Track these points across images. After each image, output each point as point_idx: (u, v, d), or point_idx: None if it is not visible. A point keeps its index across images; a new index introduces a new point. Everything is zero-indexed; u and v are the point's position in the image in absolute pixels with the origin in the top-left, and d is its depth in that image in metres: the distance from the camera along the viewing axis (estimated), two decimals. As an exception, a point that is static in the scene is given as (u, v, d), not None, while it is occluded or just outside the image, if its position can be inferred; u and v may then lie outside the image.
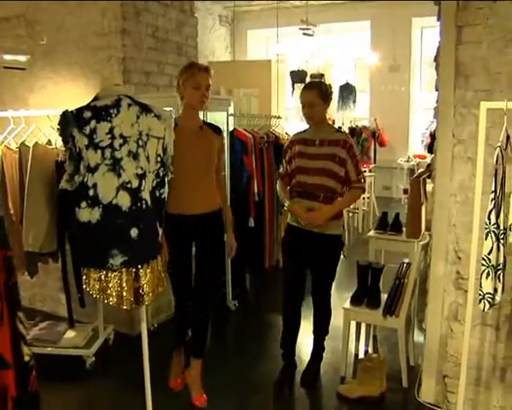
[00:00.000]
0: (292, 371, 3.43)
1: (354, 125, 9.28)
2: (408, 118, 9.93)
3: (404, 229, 4.18)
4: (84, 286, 2.21)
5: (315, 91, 3.15)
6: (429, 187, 3.57)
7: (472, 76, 2.81)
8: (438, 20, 2.95)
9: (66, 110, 2.09)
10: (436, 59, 3.00)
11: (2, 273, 1.29)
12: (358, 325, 3.81)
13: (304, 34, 7.65)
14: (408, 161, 9.37)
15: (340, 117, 9.84)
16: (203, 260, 3.12)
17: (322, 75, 10.43)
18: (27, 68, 3.57)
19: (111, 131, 2.14)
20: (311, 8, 8.07)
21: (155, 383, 2.78)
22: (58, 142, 3.32)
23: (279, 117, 5.60)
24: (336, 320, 3.59)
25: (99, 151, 2.12)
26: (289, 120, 10.57)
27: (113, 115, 2.15)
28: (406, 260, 3.84)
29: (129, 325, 4.04)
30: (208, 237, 3.10)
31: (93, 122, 2.10)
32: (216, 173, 3.13)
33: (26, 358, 1.38)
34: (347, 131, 8.47)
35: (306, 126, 3.34)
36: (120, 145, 2.17)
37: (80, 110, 2.11)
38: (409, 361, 3.52)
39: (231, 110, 4.67)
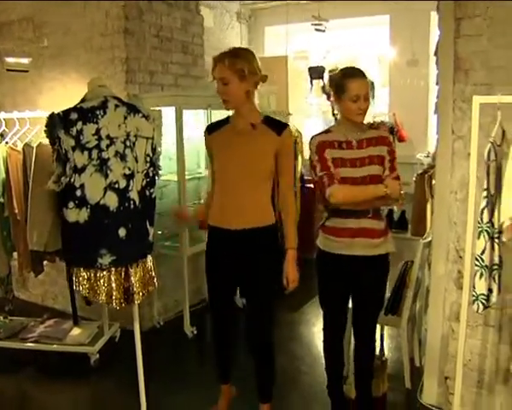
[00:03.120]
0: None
1: (373, 121, 9.19)
2: (427, 113, 9.75)
3: (409, 226, 4.12)
4: (75, 285, 2.23)
5: (367, 84, 2.58)
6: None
7: (471, 70, 2.75)
8: (437, 12, 2.90)
9: (53, 112, 2.12)
10: (436, 53, 2.95)
11: None
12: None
13: (316, 30, 7.58)
14: (428, 156, 9.22)
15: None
16: (247, 287, 2.72)
17: (340, 71, 10.41)
18: (29, 70, 3.63)
19: (97, 132, 2.15)
20: (326, 4, 8.00)
21: (155, 380, 2.75)
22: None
23: (289, 114, 5.62)
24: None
25: (86, 152, 2.14)
26: (310, 117, 10.58)
27: (100, 117, 2.16)
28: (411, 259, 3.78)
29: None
30: (257, 259, 2.61)
31: (79, 124, 2.12)
32: (279, 183, 2.64)
33: None
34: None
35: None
36: (107, 146, 2.18)
37: (67, 112, 2.13)
38: (414, 362, 3.47)
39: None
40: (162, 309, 4.36)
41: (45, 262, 3.53)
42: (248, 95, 2.52)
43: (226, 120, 2.65)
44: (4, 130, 3.59)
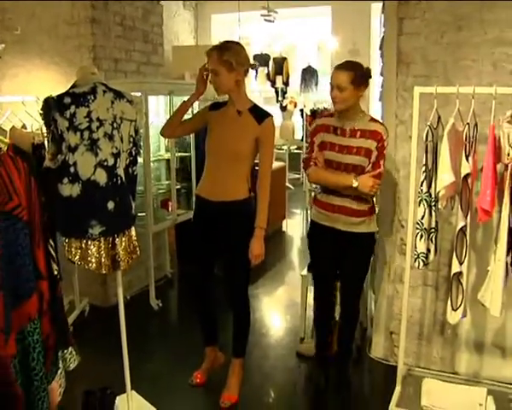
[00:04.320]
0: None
1: (316, 108, 9.62)
2: (368, 99, 10.28)
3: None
4: (66, 254, 2.46)
5: (349, 74, 2.78)
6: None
7: (412, 63, 3.15)
8: (382, 12, 3.28)
9: (49, 96, 2.32)
10: (381, 48, 3.33)
11: (39, 213, 1.64)
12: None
13: (265, 21, 7.90)
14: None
15: (302, 100, 10.17)
16: (227, 252, 3.03)
17: (284, 59, 10.78)
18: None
19: (89, 115, 2.38)
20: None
21: (129, 349, 3.00)
22: (33, 126, 3.54)
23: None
24: (297, 287, 3.93)
25: (78, 133, 2.36)
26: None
27: (91, 101, 2.39)
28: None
29: (103, 298, 4.31)
30: (230, 230, 2.94)
31: (73, 107, 2.34)
32: (260, 168, 2.90)
33: (55, 272, 1.81)
34: (309, 113, 8.80)
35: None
36: (97, 127, 2.41)
37: (61, 96, 2.34)
38: (363, 325, 3.88)
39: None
40: (127, 285, 4.58)
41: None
42: (238, 83, 2.85)
43: (225, 103, 2.99)
44: (-26, 115, 3.69)
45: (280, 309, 4.69)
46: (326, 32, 10.36)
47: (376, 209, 3.55)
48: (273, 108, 10.77)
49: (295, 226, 7.56)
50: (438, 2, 2.98)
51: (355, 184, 2.80)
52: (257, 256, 2.90)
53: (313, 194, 3.27)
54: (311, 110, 9.34)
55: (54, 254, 1.74)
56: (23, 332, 1.68)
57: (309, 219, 3.77)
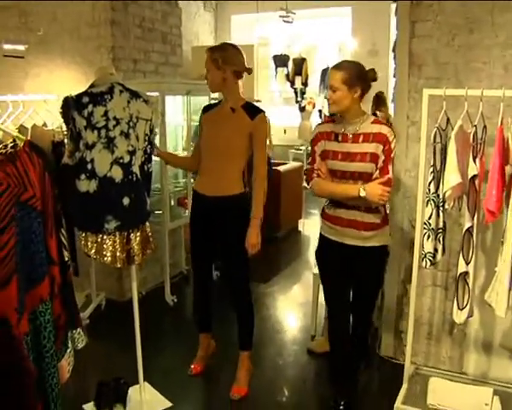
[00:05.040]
0: None
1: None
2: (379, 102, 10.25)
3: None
4: (83, 248, 2.56)
5: (341, 73, 2.61)
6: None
7: (424, 65, 3.18)
8: (395, 14, 3.32)
9: (68, 96, 2.43)
10: (394, 50, 3.37)
11: (53, 204, 1.81)
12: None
13: (283, 21, 7.97)
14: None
15: (321, 100, 10.21)
16: (224, 246, 3.12)
17: (304, 59, 10.83)
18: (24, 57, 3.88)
19: (106, 113, 2.48)
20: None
21: (143, 342, 3.10)
22: (54, 124, 3.66)
23: (258, 100, 5.98)
24: (311, 286, 3.99)
25: (95, 131, 2.47)
26: (274, 103, 10.99)
27: (108, 100, 2.49)
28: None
29: (118, 293, 4.42)
30: (226, 224, 3.04)
31: (90, 106, 2.44)
32: (254, 162, 3.00)
33: (66, 258, 1.96)
34: (327, 113, 8.83)
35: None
36: (114, 126, 2.51)
37: (79, 96, 2.45)
38: (374, 324, 3.89)
39: (215, 94, 4.97)
40: (142, 281, 4.69)
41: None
42: (225, 81, 2.96)
43: (218, 103, 3.15)
44: (-4, 112, 3.82)
45: (294, 307, 4.75)
46: (346, 33, 10.38)
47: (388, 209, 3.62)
48: (292, 109, 10.86)
49: (312, 226, 7.58)
50: (449, 5, 3.01)
51: (362, 194, 2.56)
52: (253, 245, 2.97)
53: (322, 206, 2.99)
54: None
55: (65, 243, 1.87)
56: (35, 313, 1.81)
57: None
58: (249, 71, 3.02)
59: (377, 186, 2.56)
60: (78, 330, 2.09)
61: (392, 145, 2.61)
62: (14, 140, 1.77)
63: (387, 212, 2.82)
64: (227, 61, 2.92)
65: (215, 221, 3.06)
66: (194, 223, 3.22)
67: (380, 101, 5.06)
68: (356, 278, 2.87)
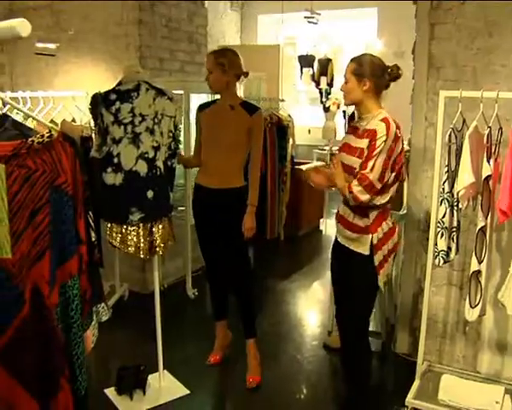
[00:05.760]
0: None
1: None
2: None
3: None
4: (108, 238, 2.69)
5: (352, 64, 2.59)
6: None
7: (442, 68, 3.23)
8: (415, 17, 3.37)
9: (96, 93, 2.57)
10: (413, 52, 3.42)
11: (82, 190, 2.00)
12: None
13: (308, 22, 8.02)
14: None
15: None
16: (225, 235, 3.27)
17: (329, 60, 10.86)
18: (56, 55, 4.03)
19: (132, 110, 2.61)
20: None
21: (164, 333, 3.21)
22: (82, 120, 3.81)
23: (282, 100, 6.06)
24: (328, 282, 4.06)
25: (122, 127, 2.60)
26: (300, 103, 11.04)
27: (134, 98, 2.62)
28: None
29: (141, 285, 4.55)
30: (226, 215, 3.21)
31: (117, 103, 2.57)
32: (252, 154, 3.18)
33: (93, 239, 2.13)
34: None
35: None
36: (140, 122, 2.64)
37: (107, 93, 2.58)
38: (390, 321, 3.97)
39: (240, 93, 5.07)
40: (165, 275, 4.81)
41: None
42: (228, 84, 3.16)
43: (214, 102, 3.38)
44: (30, 107, 3.99)
45: (312, 303, 4.84)
46: (372, 34, 10.38)
47: (405, 209, 3.67)
48: (317, 109, 10.90)
49: (333, 226, 7.62)
50: (469, 8, 3.05)
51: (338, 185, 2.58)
52: (249, 229, 3.19)
53: None
54: (353, 111, 9.38)
55: (92, 225, 2.03)
56: (65, 286, 1.99)
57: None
58: (246, 74, 3.25)
59: (340, 173, 2.58)
60: (102, 304, 2.26)
61: (378, 142, 2.42)
62: (50, 131, 1.93)
63: (381, 222, 2.59)
64: (232, 66, 3.13)
65: (215, 212, 3.23)
66: (196, 213, 3.39)
67: None
68: (341, 286, 2.83)
